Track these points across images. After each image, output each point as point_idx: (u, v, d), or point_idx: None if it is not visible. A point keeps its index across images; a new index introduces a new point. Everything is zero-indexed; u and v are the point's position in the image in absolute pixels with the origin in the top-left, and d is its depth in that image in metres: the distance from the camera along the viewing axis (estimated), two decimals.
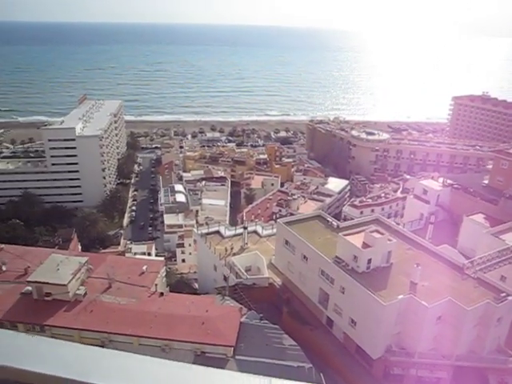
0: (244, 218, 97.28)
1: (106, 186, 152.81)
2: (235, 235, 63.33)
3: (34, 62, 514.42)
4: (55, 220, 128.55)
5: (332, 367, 43.50)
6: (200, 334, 42.89)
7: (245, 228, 61.28)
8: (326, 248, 46.87)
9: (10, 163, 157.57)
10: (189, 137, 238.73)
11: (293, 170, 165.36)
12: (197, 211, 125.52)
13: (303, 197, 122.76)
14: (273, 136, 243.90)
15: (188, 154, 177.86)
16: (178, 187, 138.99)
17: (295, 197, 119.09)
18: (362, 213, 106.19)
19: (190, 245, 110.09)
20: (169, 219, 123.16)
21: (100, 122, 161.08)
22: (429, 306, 37.71)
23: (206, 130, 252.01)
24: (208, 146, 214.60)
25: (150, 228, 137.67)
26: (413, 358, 40.24)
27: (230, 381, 2.77)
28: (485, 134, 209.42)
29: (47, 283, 46.98)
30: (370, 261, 43.15)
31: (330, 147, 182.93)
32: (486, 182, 75.38)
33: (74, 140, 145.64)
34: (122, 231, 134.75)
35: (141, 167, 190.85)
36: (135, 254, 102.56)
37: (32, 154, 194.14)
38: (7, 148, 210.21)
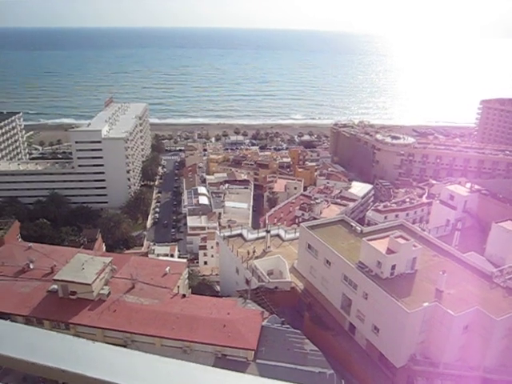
0: (267, 222, 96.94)
1: (130, 187, 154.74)
2: (258, 238, 63.28)
3: (63, 66, 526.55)
4: (81, 220, 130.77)
5: (354, 374, 42.88)
6: (221, 336, 42.88)
7: (267, 231, 61.13)
8: (349, 253, 46.33)
9: (39, 164, 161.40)
10: (212, 140, 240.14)
11: (316, 173, 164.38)
12: (220, 214, 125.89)
13: (326, 201, 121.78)
14: (296, 139, 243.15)
15: (211, 156, 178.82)
16: (202, 190, 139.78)
17: (318, 201, 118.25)
18: (386, 218, 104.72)
19: (212, 247, 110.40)
20: (192, 221, 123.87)
21: (125, 125, 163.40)
22: (455, 315, 36.78)
23: (230, 133, 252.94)
24: (231, 149, 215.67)
25: (172, 230, 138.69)
26: (438, 368, 39.26)
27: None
28: None
29: (72, 282, 47.79)
30: (394, 267, 42.41)
31: (354, 151, 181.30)
32: None
33: (100, 142, 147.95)
34: (145, 232, 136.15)
35: (165, 169, 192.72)
36: (158, 255, 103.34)
37: (60, 156, 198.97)
38: (36, 149, 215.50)
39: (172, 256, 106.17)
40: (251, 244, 61.82)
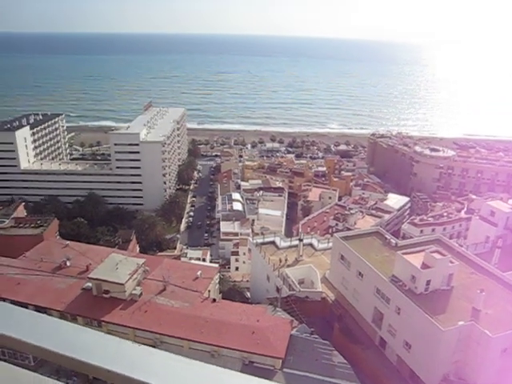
0: (300, 230, 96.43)
1: (165, 190, 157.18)
2: (290, 247, 62.97)
3: (104, 71, 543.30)
4: (116, 221, 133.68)
5: None
6: (249, 343, 42.70)
7: (300, 240, 60.75)
8: (382, 266, 45.39)
9: (79, 165, 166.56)
10: (248, 146, 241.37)
11: (351, 183, 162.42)
12: (253, 220, 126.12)
13: (361, 212, 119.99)
14: (332, 149, 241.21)
15: (247, 163, 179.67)
16: (236, 196, 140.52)
17: (353, 211, 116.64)
18: (422, 231, 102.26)
19: (244, 253, 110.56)
20: (225, 227, 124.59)
21: (163, 129, 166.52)
22: (493, 336, 35.27)
23: (266, 140, 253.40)
24: (267, 156, 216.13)
25: (205, 234, 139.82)
26: None
27: None
28: None
29: (106, 281, 48.80)
30: (428, 282, 41.20)
31: (391, 162, 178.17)
32: None
33: (137, 145, 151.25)
34: (178, 236, 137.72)
35: (200, 174, 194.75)
36: (190, 258, 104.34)
37: (99, 157, 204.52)
38: (76, 150, 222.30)
39: (204, 260, 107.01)
40: (283, 252, 61.54)
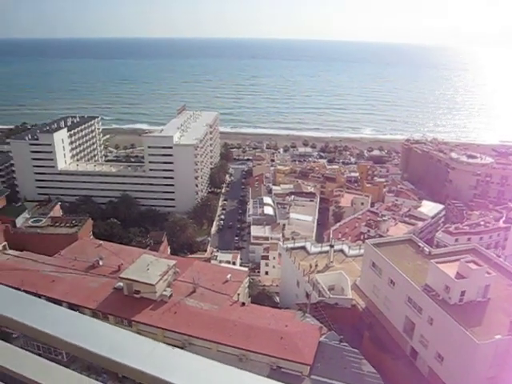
0: (331, 236, 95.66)
1: (197, 193, 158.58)
2: (320, 252, 62.42)
3: (139, 75, 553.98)
4: (148, 222, 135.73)
5: None
6: (277, 348, 42.49)
7: (331, 246, 60.20)
8: (415, 274, 44.41)
9: (113, 166, 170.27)
10: (281, 150, 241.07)
11: (384, 190, 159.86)
12: (284, 225, 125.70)
13: (394, 219, 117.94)
14: (365, 154, 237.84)
15: (279, 167, 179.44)
16: (267, 200, 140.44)
17: (385, 218, 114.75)
18: (457, 240, 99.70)
19: (274, 258, 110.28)
20: (256, 231, 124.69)
21: (196, 132, 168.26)
22: None
23: (298, 144, 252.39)
24: (299, 161, 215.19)
25: (236, 238, 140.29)
26: None
27: None
28: None
29: (137, 281, 49.61)
30: (463, 293, 40.04)
31: (426, 169, 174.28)
32: None
33: (171, 148, 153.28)
34: (209, 238, 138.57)
35: (232, 178, 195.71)
36: (220, 261, 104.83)
37: (132, 159, 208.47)
38: (111, 152, 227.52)
39: (234, 263, 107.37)
40: (314, 258, 61.05)
